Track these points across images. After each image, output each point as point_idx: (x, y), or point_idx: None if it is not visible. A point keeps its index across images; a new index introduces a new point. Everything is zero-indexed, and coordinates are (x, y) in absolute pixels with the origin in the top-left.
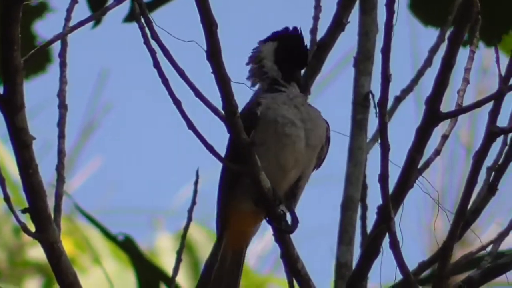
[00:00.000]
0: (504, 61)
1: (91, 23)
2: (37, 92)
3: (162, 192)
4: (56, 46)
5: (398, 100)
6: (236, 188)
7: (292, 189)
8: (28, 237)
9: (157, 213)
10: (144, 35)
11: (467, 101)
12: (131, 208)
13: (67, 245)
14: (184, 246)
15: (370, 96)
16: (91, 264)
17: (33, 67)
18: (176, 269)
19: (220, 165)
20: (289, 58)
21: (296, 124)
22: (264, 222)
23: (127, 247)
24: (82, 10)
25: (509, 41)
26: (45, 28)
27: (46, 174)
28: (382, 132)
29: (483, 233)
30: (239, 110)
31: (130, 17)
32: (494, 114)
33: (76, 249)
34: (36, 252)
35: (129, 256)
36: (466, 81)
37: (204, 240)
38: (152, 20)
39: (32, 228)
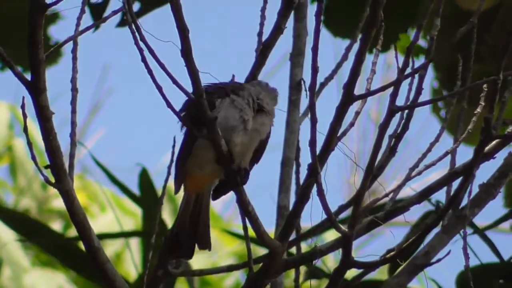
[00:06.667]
0: (402, 58)
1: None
2: (57, 82)
3: (151, 155)
4: (68, 45)
5: (323, 85)
6: (196, 152)
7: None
8: (52, 190)
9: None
10: (134, 37)
11: (374, 86)
12: (127, 167)
13: (81, 198)
14: (165, 194)
15: (302, 82)
16: (99, 212)
17: (49, 60)
18: (159, 208)
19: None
20: None
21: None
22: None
23: (142, 177)
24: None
25: (405, 42)
26: (57, 31)
27: (63, 140)
28: (311, 109)
29: (388, 186)
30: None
31: (122, 23)
32: (394, 96)
33: (88, 200)
34: (58, 203)
35: (140, 184)
36: (373, 72)
37: (181, 192)
38: (140, 26)
39: (53, 180)
